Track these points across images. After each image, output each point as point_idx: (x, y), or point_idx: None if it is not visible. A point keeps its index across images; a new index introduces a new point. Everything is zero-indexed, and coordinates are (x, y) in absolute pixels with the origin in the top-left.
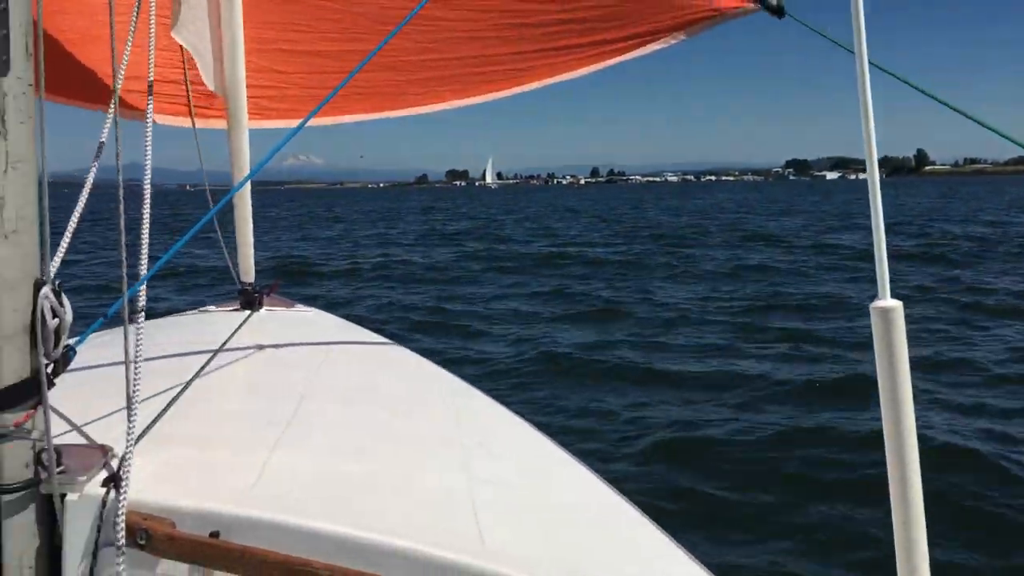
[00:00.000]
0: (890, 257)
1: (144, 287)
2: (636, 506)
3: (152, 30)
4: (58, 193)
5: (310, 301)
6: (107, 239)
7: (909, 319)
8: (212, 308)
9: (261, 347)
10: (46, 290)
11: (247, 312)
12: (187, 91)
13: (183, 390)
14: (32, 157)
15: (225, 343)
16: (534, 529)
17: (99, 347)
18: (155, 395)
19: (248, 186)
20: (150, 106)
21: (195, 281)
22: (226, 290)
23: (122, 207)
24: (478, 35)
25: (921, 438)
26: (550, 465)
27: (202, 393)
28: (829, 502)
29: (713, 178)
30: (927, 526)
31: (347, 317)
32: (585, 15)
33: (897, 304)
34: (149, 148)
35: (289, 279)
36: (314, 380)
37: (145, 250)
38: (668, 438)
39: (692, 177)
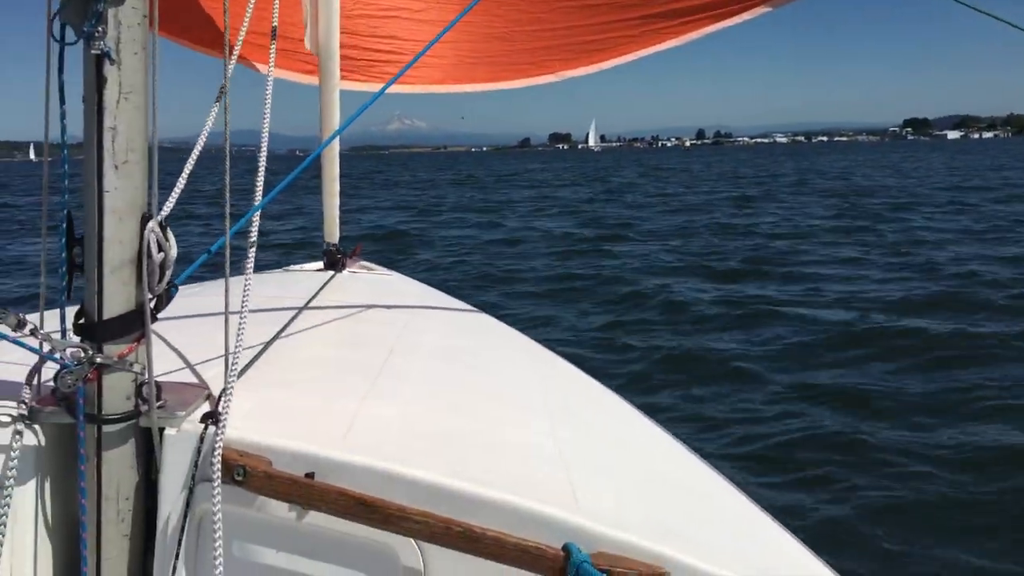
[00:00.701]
0: None
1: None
2: (722, 474)
3: None
4: (174, 159)
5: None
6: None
7: None
8: (295, 267)
9: (347, 305)
10: (153, 224)
11: (331, 272)
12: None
13: (273, 339)
14: (144, 89)
15: (312, 299)
16: (624, 490)
17: (190, 296)
18: (248, 341)
19: (336, 147)
20: (272, 51)
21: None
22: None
23: (228, 146)
24: (590, 3)
25: None
26: (637, 431)
27: (292, 343)
28: None
29: (825, 139)
30: None
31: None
32: None
33: None
34: (270, 90)
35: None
36: (400, 337)
37: (261, 184)
38: None
39: (803, 138)
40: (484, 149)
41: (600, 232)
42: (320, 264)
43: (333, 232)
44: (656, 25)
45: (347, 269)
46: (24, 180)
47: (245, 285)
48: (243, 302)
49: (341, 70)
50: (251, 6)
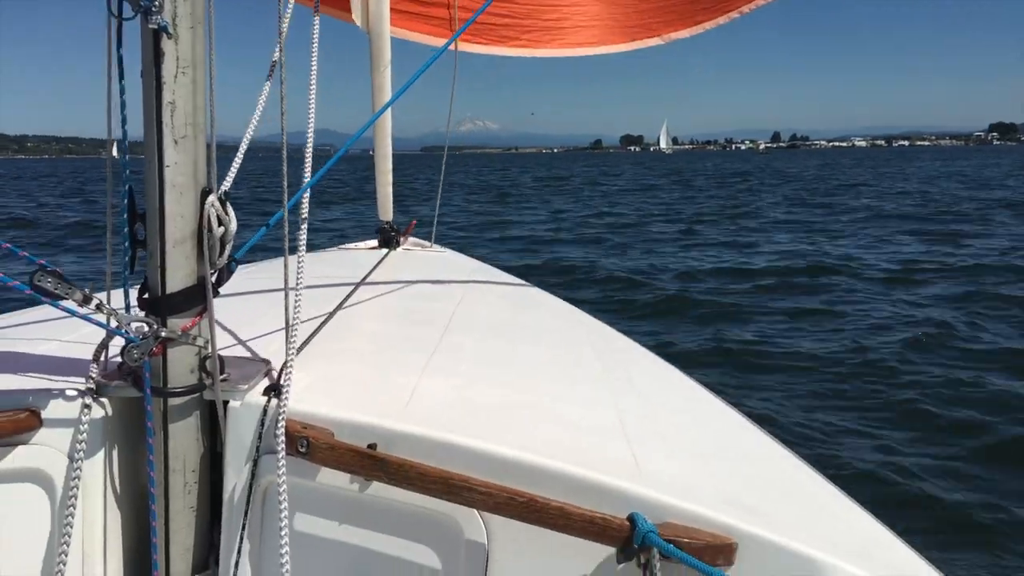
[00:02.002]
0: None
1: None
2: (786, 446)
3: None
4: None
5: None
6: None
7: None
8: (350, 246)
9: (403, 281)
10: (212, 198)
11: (385, 250)
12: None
13: (332, 314)
14: (201, 64)
15: (368, 275)
16: (688, 460)
17: (246, 274)
18: (306, 317)
19: (388, 127)
20: None
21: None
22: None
23: (284, 123)
24: None
25: None
26: (698, 403)
27: (349, 318)
28: None
29: (906, 143)
30: None
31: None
32: None
33: None
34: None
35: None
36: (456, 312)
37: (309, 162)
38: None
39: (882, 142)
40: (555, 150)
41: None
42: (374, 242)
43: (387, 210)
44: None
45: (401, 246)
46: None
47: (300, 261)
48: (299, 278)
49: (467, 33)
50: None
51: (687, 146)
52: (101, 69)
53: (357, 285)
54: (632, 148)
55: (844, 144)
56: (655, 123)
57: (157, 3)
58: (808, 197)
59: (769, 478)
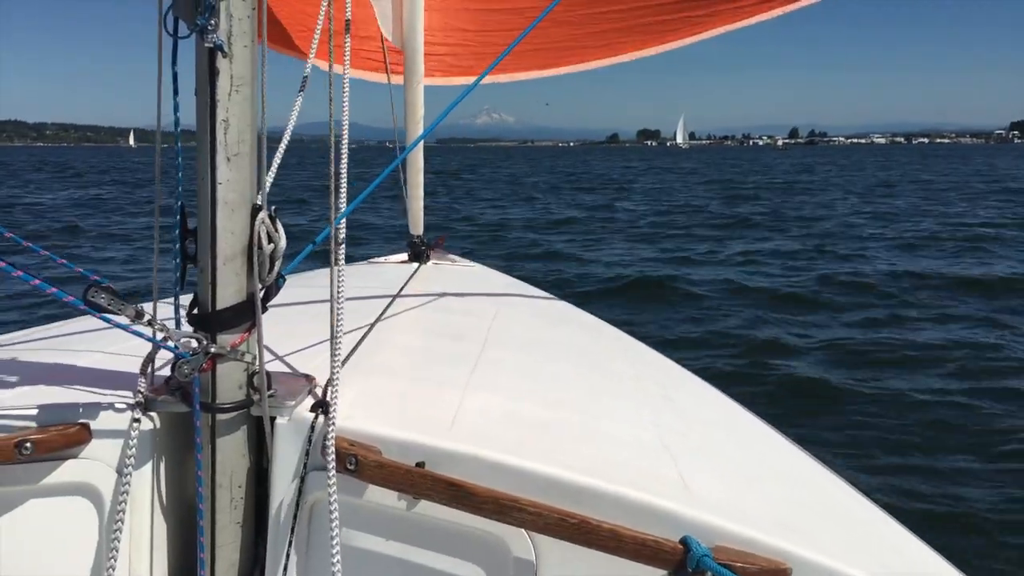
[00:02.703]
0: None
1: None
2: (825, 464)
3: None
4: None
5: None
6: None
7: None
8: (380, 259)
9: (436, 295)
10: (263, 215)
11: (416, 264)
12: (383, 49)
13: (370, 329)
14: (254, 81)
15: (402, 289)
16: (735, 481)
17: (287, 288)
18: (345, 332)
19: (421, 142)
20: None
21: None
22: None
23: (333, 144)
24: None
25: None
26: (736, 421)
27: (388, 334)
28: None
29: (925, 140)
30: None
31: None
32: None
33: None
34: (347, 92)
35: None
36: (492, 327)
37: (344, 188)
38: None
39: (902, 139)
40: (571, 144)
41: None
42: (403, 256)
43: (418, 224)
44: (731, 4)
45: (431, 261)
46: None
47: (340, 275)
48: (340, 291)
49: (426, 67)
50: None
51: (704, 141)
52: (112, 61)
53: (393, 299)
54: (649, 142)
55: (863, 141)
56: (671, 117)
57: (213, 22)
58: None
59: (817, 500)
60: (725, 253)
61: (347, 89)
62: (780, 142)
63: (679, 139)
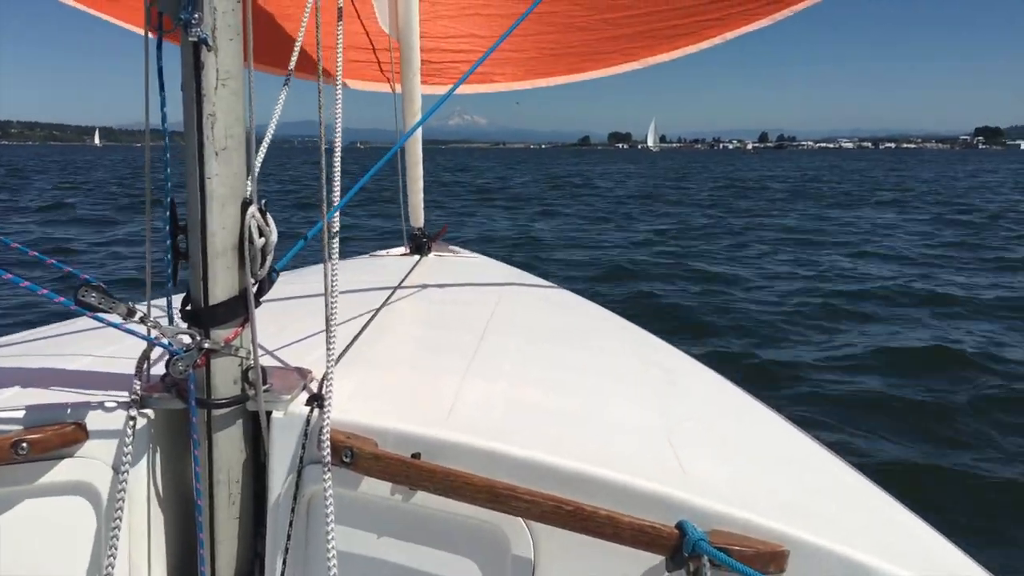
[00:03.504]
0: None
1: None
2: (833, 451)
3: None
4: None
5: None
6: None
7: None
8: (382, 252)
9: (437, 286)
10: (253, 209)
11: (417, 256)
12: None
13: (369, 321)
14: (240, 75)
15: (402, 281)
16: (735, 466)
17: (281, 282)
18: (343, 325)
19: (419, 132)
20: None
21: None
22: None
23: (323, 141)
24: None
25: None
26: (739, 406)
27: (387, 325)
28: None
29: (892, 145)
30: None
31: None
32: None
33: None
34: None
35: None
36: (493, 316)
37: (337, 181)
38: None
39: (869, 144)
40: (543, 146)
41: None
42: (404, 249)
43: (418, 217)
44: (736, 8)
45: (432, 252)
46: (89, 165)
47: (333, 268)
48: (334, 285)
49: (422, 74)
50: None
51: (675, 144)
52: (81, 58)
53: (392, 291)
54: (620, 145)
55: (831, 146)
56: (642, 120)
57: (197, 16)
58: None
59: (818, 484)
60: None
61: (340, 80)
62: (750, 146)
63: (650, 142)
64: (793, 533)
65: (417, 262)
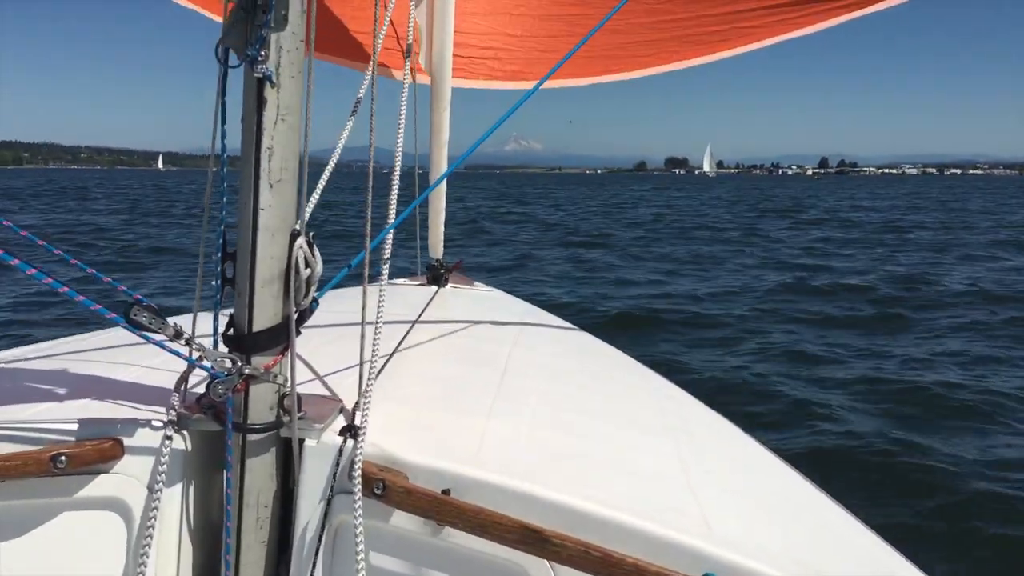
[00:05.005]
0: None
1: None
2: (840, 502)
3: None
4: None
5: None
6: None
7: None
8: (399, 281)
9: (456, 321)
10: (301, 240)
11: (434, 288)
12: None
13: (392, 354)
14: (299, 110)
15: (422, 313)
16: (754, 518)
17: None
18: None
19: (444, 163)
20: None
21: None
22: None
23: (371, 167)
24: None
25: None
26: (754, 457)
27: (410, 358)
28: None
29: (958, 171)
30: None
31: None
32: None
33: None
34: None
35: None
36: (512, 355)
37: (394, 208)
38: None
39: (933, 170)
40: (599, 171)
41: None
42: (420, 279)
43: (438, 247)
44: (774, 17)
45: (450, 284)
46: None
47: (381, 297)
48: (379, 315)
49: (469, 70)
50: (389, 14)
51: (732, 170)
52: (146, 85)
53: (413, 324)
54: (676, 171)
55: (894, 171)
56: (699, 145)
57: (263, 53)
58: None
59: (832, 538)
60: None
61: (403, 115)
62: (810, 171)
63: (706, 167)
64: None
65: (435, 294)
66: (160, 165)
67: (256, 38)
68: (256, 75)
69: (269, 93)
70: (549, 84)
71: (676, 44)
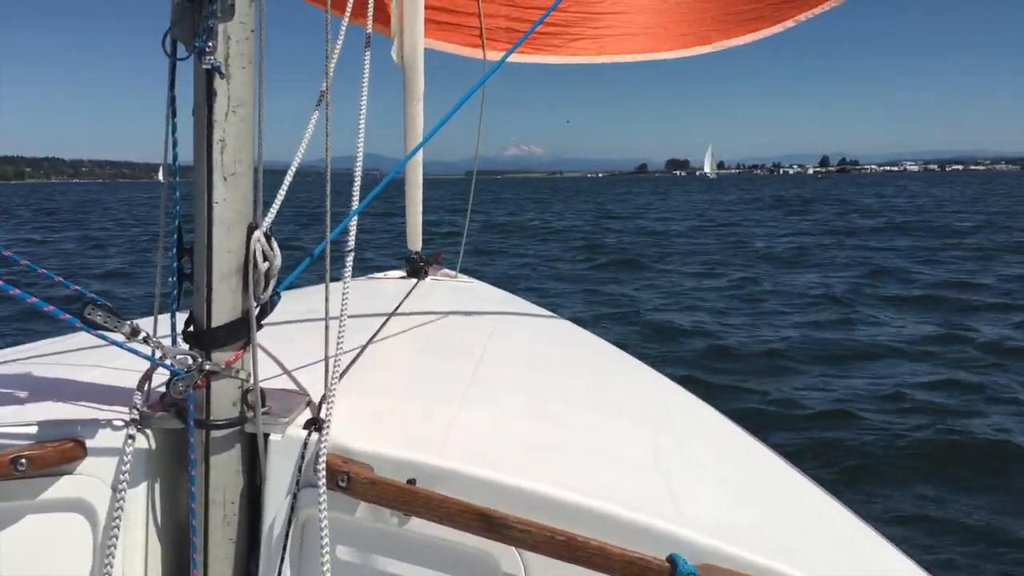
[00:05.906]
0: None
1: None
2: (820, 485)
3: None
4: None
5: None
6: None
7: None
8: (379, 275)
9: (433, 312)
10: (258, 234)
11: (414, 280)
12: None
13: (365, 346)
14: (251, 102)
15: (399, 306)
16: (728, 501)
17: (281, 302)
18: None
19: (420, 156)
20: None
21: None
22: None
23: (328, 157)
24: None
25: None
26: (733, 441)
27: (383, 350)
28: None
29: (960, 167)
30: None
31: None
32: None
33: None
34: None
35: None
36: (488, 345)
37: (357, 192)
38: None
39: (935, 167)
40: (600, 175)
41: None
42: (401, 272)
43: (416, 240)
44: None
45: (429, 276)
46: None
47: (345, 292)
48: (343, 309)
49: (500, 41)
50: None
51: (733, 171)
52: (147, 98)
53: (389, 316)
54: (678, 172)
55: (895, 169)
56: (699, 146)
57: (211, 44)
58: None
59: (806, 518)
60: None
61: (366, 93)
62: (812, 170)
63: (707, 168)
64: (784, 569)
65: (414, 287)
66: (160, 177)
67: (203, 29)
68: (204, 67)
69: (219, 84)
70: (588, 59)
71: (712, 23)
